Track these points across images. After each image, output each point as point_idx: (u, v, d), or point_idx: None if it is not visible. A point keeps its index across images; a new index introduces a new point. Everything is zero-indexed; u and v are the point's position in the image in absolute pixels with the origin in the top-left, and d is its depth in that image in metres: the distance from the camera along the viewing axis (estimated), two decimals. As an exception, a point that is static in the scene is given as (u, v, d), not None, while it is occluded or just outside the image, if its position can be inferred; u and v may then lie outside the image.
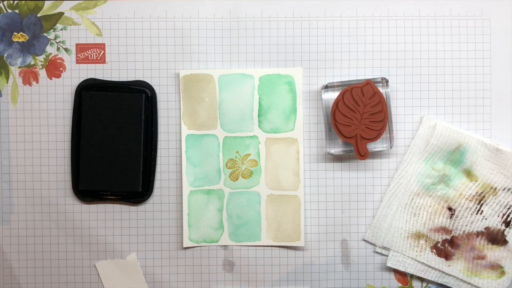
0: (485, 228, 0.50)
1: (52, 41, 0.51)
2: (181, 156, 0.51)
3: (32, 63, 0.51)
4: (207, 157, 0.50)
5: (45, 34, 0.50)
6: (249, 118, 0.50)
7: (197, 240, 0.50)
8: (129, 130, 0.49)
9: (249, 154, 0.50)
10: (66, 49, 0.51)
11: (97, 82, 0.50)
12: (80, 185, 0.49)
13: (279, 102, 0.50)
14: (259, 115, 0.50)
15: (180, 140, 0.51)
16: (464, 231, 0.50)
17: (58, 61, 0.51)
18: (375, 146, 0.50)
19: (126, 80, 0.50)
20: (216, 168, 0.50)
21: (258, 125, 0.50)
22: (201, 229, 0.50)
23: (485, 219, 0.50)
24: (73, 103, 0.50)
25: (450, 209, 0.50)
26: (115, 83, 0.50)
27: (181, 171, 0.50)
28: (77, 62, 0.51)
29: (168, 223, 0.51)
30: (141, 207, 0.51)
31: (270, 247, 0.51)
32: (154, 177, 0.50)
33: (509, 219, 0.50)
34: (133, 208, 0.51)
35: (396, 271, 0.51)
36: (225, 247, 0.51)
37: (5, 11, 0.50)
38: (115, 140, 0.49)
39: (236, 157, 0.50)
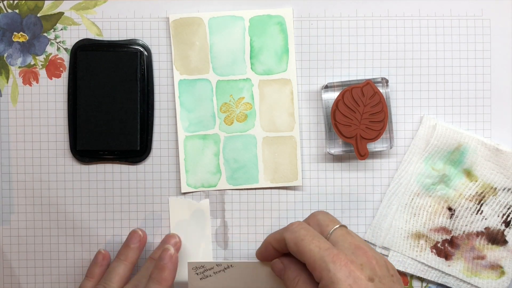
0: (485, 228, 0.50)
1: (52, 41, 0.51)
2: (173, 100, 0.51)
3: (32, 63, 0.51)
4: (200, 102, 0.50)
5: (45, 34, 0.50)
6: (241, 60, 0.50)
7: (195, 185, 0.51)
8: (125, 89, 0.49)
9: (243, 98, 0.50)
10: (66, 49, 0.51)
11: (92, 42, 0.50)
12: (78, 145, 0.50)
13: (270, 43, 0.50)
14: (251, 57, 0.50)
15: (173, 85, 0.50)
16: (464, 231, 0.50)
17: (58, 61, 0.51)
18: (375, 146, 0.50)
19: (120, 39, 0.51)
20: (211, 112, 0.51)
21: (251, 67, 0.50)
22: (199, 174, 0.50)
23: (485, 219, 0.50)
24: (68, 63, 0.50)
25: (450, 209, 0.50)
26: (110, 42, 0.50)
27: (175, 117, 0.51)
28: (77, 62, 0.51)
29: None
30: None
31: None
32: (152, 136, 0.50)
33: (509, 219, 0.50)
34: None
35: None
36: (225, 244, 0.51)
37: (5, 11, 0.50)
38: (112, 99, 0.49)
39: (230, 101, 0.50)
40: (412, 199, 0.50)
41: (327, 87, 0.50)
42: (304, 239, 0.40)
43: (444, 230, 0.50)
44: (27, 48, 0.50)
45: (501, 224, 0.50)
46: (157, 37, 0.51)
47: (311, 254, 0.39)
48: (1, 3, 0.50)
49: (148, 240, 0.51)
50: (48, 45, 0.51)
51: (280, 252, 0.44)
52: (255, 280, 0.46)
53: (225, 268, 0.46)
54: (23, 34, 0.50)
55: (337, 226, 0.42)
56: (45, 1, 0.50)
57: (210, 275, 0.46)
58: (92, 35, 0.51)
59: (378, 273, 0.39)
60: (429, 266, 0.50)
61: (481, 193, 0.50)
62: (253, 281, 0.46)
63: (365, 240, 0.51)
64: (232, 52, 0.50)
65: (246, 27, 0.50)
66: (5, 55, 0.50)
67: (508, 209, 0.50)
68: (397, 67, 0.51)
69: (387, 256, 0.51)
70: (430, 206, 0.50)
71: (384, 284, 0.38)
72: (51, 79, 0.51)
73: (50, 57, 0.51)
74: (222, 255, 0.51)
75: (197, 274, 0.46)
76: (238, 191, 0.51)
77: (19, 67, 0.51)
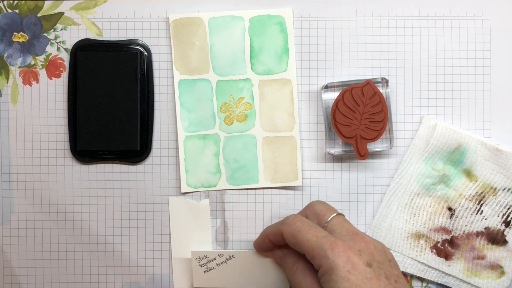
0: (485, 228, 0.50)
1: (52, 41, 0.51)
2: (173, 100, 0.51)
3: (32, 63, 0.51)
4: (200, 102, 0.51)
5: (45, 34, 0.50)
6: (241, 60, 0.50)
7: (195, 185, 0.51)
8: (125, 89, 0.49)
9: (243, 98, 0.51)
10: (66, 49, 0.51)
11: (92, 42, 0.50)
12: (78, 145, 0.50)
13: (270, 43, 0.50)
14: (251, 57, 0.50)
15: (173, 85, 0.50)
16: (464, 231, 0.50)
17: (58, 61, 0.51)
18: (375, 146, 0.50)
19: (120, 39, 0.51)
20: (211, 112, 0.51)
21: (251, 68, 0.50)
22: (199, 174, 0.51)
23: (485, 219, 0.50)
24: (68, 63, 0.50)
25: (450, 209, 0.50)
26: (110, 42, 0.50)
27: (175, 116, 0.51)
28: (77, 62, 0.51)
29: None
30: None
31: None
32: (152, 136, 0.51)
33: (509, 219, 0.50)
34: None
35: (396, 271, 0.51)
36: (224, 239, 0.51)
37: (5, 11, 0.50)
38: (112, 99, 0.49)
39: (230, 101, 0.51)
40: (412, 199, 0.50)
41: (327, 87, 0.50)
42: (300, 231, 0.41)
43: (444, 230, 0.50)
44: (27, 48, 0.50)
45: (501, 224, 0.50)
46: (157, 37, 0.51)
47: (309, 243, 0.40)
48: (1, 3, 0.50)
49: (148, 241, 0.51)
50: (48, 45, 0.51)
51: (277, 245, 0.44)
52: (257, 270, 0.47)
53: (227, 259, 0.47)
54: (23, 34, 0.50)
55: (334, 214, 0.42)
56: (45, 1, 0.50)
57: (213, 267, 0.47)
58: (92, 35, 0.51)
59: (376, 258, 0.39)
60: (429, 266, 0.50)
61: (481, 193, 0.50)
62: (255, 271, 0.47)
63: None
64: (232, 52, 0.50)
65: (246, 27, 0.50)
66: (5, 55, 0.50)
67: (508, 209, 0.50)
68: (397, 67, 0.51)
69: (387, 256, 0.51)
70: (430, 206, 0.50)
71: (382, 269, 0.39)
72: (51, 79, 0.51)
73: (50, 57, 0.51)
74: (222, 255, 0.51)
75: (201, 266, 0.47)
76: (238, 191, 0.51)
77: (19, 67, 0.51)
